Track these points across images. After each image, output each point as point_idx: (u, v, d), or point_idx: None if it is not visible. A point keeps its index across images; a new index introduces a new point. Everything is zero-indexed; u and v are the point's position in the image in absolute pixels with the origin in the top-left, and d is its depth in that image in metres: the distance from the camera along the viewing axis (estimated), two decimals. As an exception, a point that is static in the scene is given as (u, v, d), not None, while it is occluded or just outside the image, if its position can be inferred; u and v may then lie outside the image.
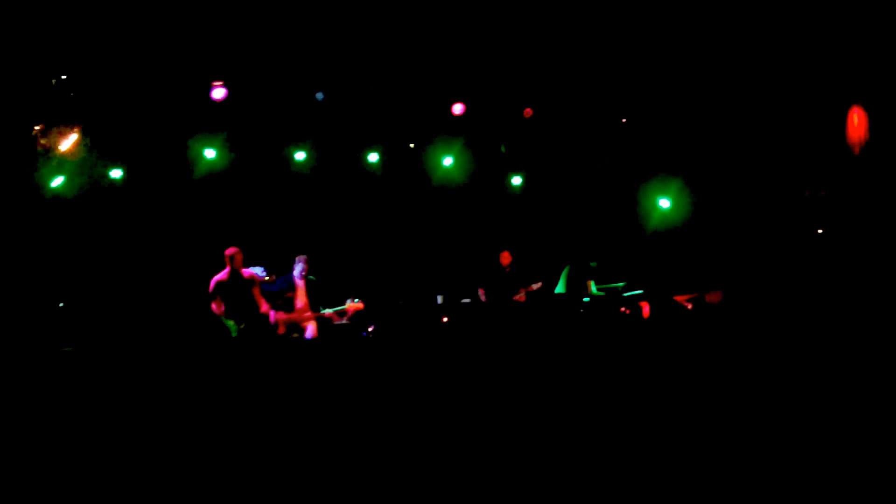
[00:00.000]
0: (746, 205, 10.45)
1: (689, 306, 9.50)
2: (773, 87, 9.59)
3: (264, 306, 8.78)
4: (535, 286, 9.92)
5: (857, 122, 9.31)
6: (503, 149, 11.30)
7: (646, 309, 9.65)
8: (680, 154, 10.84)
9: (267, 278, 8.97)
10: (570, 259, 10.16)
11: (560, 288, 9.99)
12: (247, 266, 8.85)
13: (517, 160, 11.45)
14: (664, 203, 11.34)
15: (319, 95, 9.94)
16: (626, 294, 9.88)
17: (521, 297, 9.88)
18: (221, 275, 8.64)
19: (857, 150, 9.32)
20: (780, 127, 9.91)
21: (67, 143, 9.02)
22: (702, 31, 8.98)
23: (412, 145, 11.09)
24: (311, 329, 9.13)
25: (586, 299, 9.82)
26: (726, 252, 10.32)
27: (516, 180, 11.61)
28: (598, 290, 10.04)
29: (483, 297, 9.94)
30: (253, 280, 8.79)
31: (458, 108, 10.45)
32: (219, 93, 9.52)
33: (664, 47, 9.42)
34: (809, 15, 8.47)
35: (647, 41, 9.36)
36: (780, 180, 10.23)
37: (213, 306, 8.63)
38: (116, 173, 10.03)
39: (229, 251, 8.67)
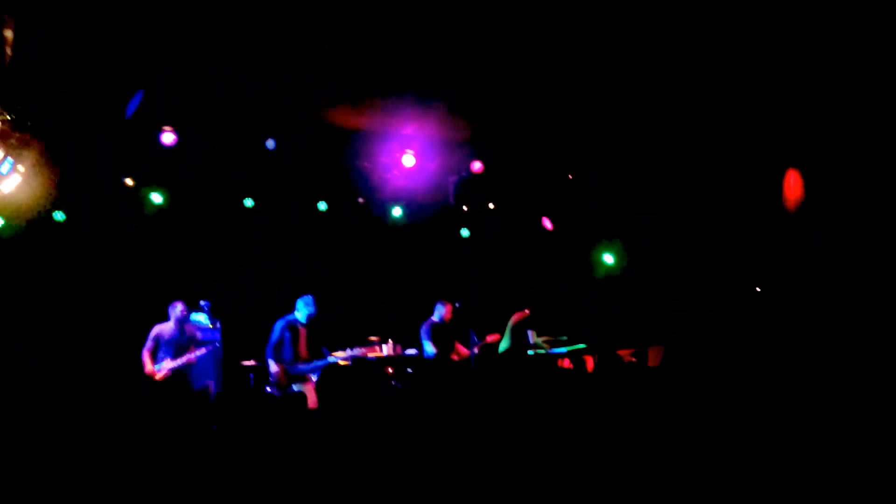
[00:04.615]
0: (688, 261, 10.71)
1: (632, 360, 9.64)
2: (714, 149, 9.89)
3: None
4: (491, 339, 9.71)
5: (793, 184, 9.66)
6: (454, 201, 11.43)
7: (589, 363, 9.73)
8: (626, 210, 11.08)
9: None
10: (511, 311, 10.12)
11: (505, 342, 9.94)
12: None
13: (466, 213, 11.58)
14: (608, 259, 11.56)
15: (270, 143, 9.88)
16: (568, 348, 9.93)
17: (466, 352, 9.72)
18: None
19: (792, 210, 9.66)
20: (720, 185, 10.22)
21: (10, 185, 8.84)
22: (644, 88, 9.23)
23: (361, 200, 11.16)
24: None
25: (530, 351, 9.82)
26: (669, 308, 10.52)
27: (464, 232, 11.75)
28: (543, 342, 10.05)
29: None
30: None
31: (409, 161, 10.52)
32: (168, 138, 9.41)
33: (607, 108, 9.65)
34: (745, 79, 8.78)
35: (590, 103, 9.58)
36: (719, 236, 10.52)
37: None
38: (59, 215, 9.88)
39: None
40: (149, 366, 8.67)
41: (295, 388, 8.42)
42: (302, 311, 8.63)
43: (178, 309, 8.82)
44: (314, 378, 8.71)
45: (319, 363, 8.45)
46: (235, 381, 9.35)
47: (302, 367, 8.49)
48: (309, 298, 8.67)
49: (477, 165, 10.78)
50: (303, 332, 8.59)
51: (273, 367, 8.46)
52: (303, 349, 8.55)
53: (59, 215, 9.93)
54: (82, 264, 10.07)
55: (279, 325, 8.56)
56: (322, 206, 11.02)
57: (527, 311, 9.91)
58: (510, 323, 9.94)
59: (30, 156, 9.05)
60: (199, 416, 8.57)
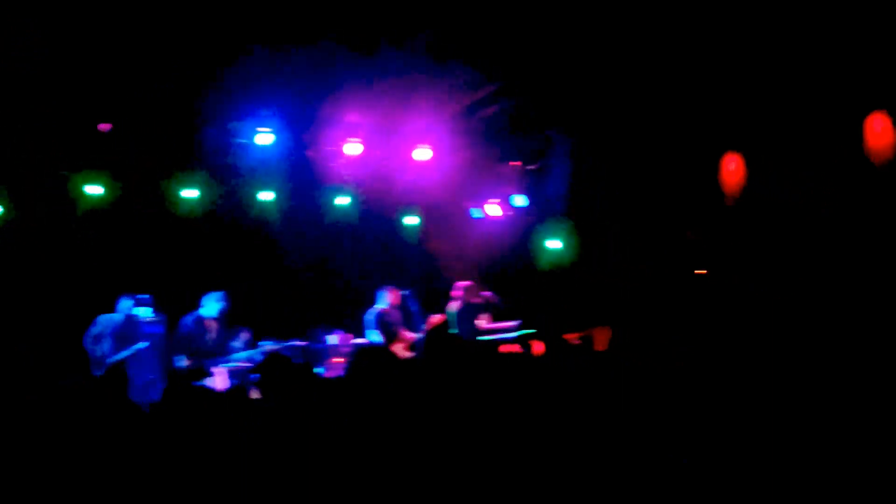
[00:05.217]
0: (631, 246, 10.87)
1: (578, 343, 9.75)
2: (657, 134, 10.03)
3: None
4: (434, 320, 9.80)
5: (733, 168, 9.85)
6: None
7: (537, 347, 9.81)
8: (570, 195, 11.19)
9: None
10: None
11: (452, 326, 9.98)
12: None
13: (412, 201, 11.58)
14: (554, 244, 11.67)
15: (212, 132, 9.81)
16: (517, 333, 9.99)
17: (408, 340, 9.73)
18: None
19: (734, 195, 9.84)
20: (662, 170, 10.38)
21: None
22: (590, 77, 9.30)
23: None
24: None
25: (481, 337, 9.85)
26: (614, 291, 10.68)
27: (410, 220, 11.72)
28: (493, 329, 10.09)
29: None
30: None
31: (355, 150, 10.46)
32: (105, 125, 9.26)
33: (556, 97, 9.71)
34: (685, 64, 8.89)
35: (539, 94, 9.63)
36: (661, 222, 10.69)
37: None
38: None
39: None
40: (94, 350, 8.71)
41: (206, 381, 8.48)
42: (211, 307, 8.81)
43: (126, 304, 8.89)
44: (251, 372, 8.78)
45: (227, 357, 8.70)
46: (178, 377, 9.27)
47: (209, 360, 8.64)
48: (218, 294, 8.85)
49: (426, 153, 10.76)
50: (212, 325, 8.79)
51: (183, 361, 8.60)
52: (213, 342, 8.74)
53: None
54: (20, 258, 9.80)
55: (187, 319, 8.75)
56: (268, 196, 10.87)
57: (459, 303, 9.94)
58: (452, 310, 9.98)
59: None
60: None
